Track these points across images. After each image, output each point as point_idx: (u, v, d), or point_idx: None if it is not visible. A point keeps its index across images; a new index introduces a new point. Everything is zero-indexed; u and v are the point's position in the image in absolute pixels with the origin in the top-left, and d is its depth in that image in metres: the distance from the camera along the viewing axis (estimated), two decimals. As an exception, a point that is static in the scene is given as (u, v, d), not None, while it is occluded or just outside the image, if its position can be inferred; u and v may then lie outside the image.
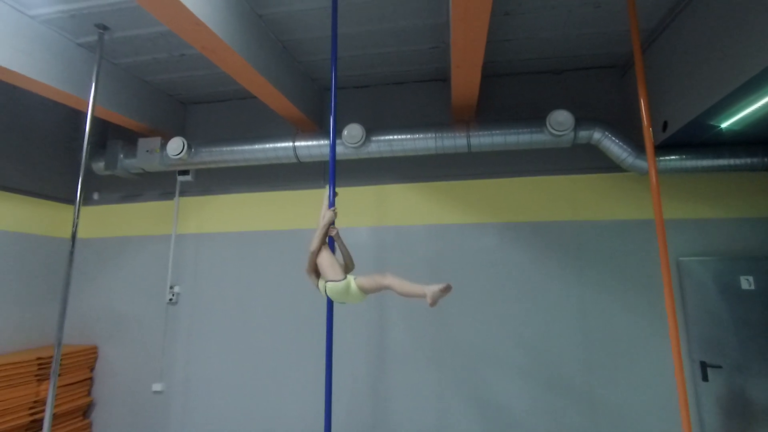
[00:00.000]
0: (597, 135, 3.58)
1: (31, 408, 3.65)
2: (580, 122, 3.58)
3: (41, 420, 3.69)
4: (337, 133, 3.88)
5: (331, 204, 2.71)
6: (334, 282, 2.39)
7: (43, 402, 3.71)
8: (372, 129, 3.91)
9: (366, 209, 4.25)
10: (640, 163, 3.49)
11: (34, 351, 3.97)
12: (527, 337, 3.76)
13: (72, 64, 3.46)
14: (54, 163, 4.58)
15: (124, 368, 4.37)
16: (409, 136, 3.79)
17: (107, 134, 4.76)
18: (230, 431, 4.06)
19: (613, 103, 4.00)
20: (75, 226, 3.06)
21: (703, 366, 3.38)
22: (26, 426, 3.63)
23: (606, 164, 3.83)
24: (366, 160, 4.20)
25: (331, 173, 2.69)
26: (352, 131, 3.78)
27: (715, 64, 2.74)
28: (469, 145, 3.75)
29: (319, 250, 2.51)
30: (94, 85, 3.17)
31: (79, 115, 4.82)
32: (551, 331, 3.74)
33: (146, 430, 4.21)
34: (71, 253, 3.05)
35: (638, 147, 3.50)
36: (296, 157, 4.05)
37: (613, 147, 3.55)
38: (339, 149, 3.91)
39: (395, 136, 3.82)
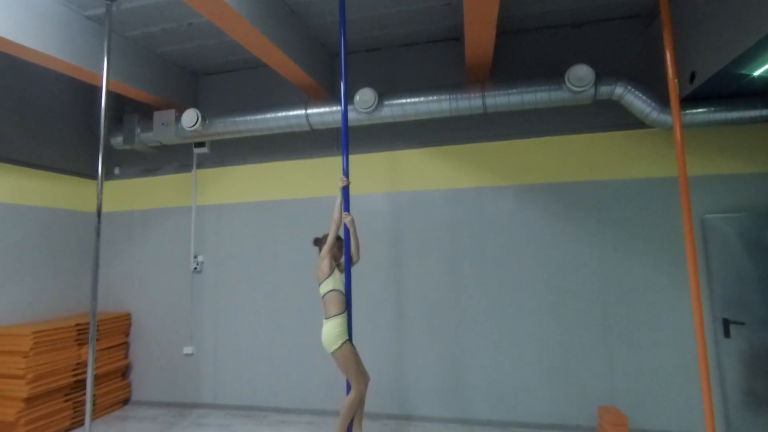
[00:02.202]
0: (619, 90, 3.43)
1: (74, 370, 3.92)
2: (600, 77, 3.43)
3: (84, 380, 3.99)
4: (349, 98, 3.83)
5: (345, 172, 2.72)
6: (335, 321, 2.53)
7: (85, 364, 3.99)
8: (384, 93, 3.84)
9: (380, 175, 4.24)
10: (664, 117, 3.35)
11: (72, 318, 4.22)
12: (545, 299, 3.78)
13: (82, 37, 3.47)
14: (74, 140, 4.69)
15: (156, 333, 4.62)
16: (422, 99, 3.71)
17: (123, 109, 4.81)
18: (257, 390, 4.30)
19: (636, 56, 3.81)
20: (99, 200, 3.16)
21: (726, 323, 3.35)
22: (71, 385, 3.92)
23: (628, 120, 3.69)
24: (379, 126, 4.16)
25: (344, 137, 2.67)
26: (364, 96, 3.73)
27: (747, 6, 2.55)
28: (484, 106, 3.65)
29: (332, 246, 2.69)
30: (106, 58, 3.18)
31: (95, 91, 4.89)
32: (569, 292, 3.74)
33: (180, 389, 4.49)
34: (98, 226, 3.17)
35: (663, 101, 3.35)
36: (309, 124, 4.03)
37: (636, 102, 3.41)
38: (351, 115, 3.88)
39: (408, 100, 3.74)
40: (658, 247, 3.62)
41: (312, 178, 4.41)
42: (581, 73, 3.34)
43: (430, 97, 3.68)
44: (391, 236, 4.16)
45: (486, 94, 3.60)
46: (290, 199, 4.45)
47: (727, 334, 3.35)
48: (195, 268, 4.56)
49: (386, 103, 3.77)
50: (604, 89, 3.45)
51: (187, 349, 4.47)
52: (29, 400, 3.53)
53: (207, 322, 4.50)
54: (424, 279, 4.04)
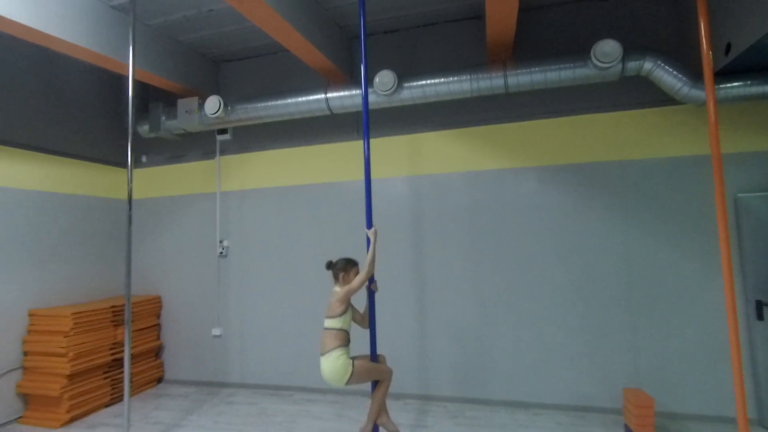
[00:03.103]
0: (648, 65, 3.30)
1: (111, 349, 4.13)
2: (628, 52, 3.31)
3: (120, 359, 4.20)
4: (369, 81, 3.82)
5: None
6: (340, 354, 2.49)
7: (121, 344, 4.19)
8: (404, 75, 3.80)
9: (400, 159, 4.23)
10: (696, 92, 3.21)
11: (107, 300, 4.42)
12: (568, 280, 3.74)
13: (108, 27, 3.54)
14: (103, 129, 4.84)
15: (186, 315, 4.80)
16: (442, 80, 3.66)
17: (148, 97, 4.92)
18: (283, 370, 4.43)
19: (666, 29, 3.64)
20: (130, 188, 3.27)
21: (759, 304, 3.26)
22: (109, 364, 4.13)
23: (657, 97, 3.56)
24: (399, 108, 4.14)
25: (365, 121, 2.67)
26: (384, 78, 3.70)
27: (792, -30, 2.40)
28: (506, 86, 3.58)
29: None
30: (131, 47, 3.25)
31: (120, 81, 5.01)
32: (594, 274, 3.69)
33: (209, 369, 4.67)
34: (129, 213, 3.28)
35: (695, 75, 3.21)
36: (329, 108, 4.04)
37: (667, 77, 3.28)
38: (371, 98, 3.87)
39: (428, 81, 3.70)
40: (688, 227, 3.52)
41: (332, 163, 4.43)
42: (608, 49, 3.22)
43: (451, 78, 3.63)
44: (412, 220, 4.17)
45: (508, 73, 3.52)
46: (311, 184, 4.49)
47: (760, 316, 3.26)
48: (221, 253, 4.69)
49: (406, 85, 3.74)
50: (632, 65, 3.33)
51: (215, 331, 4.63)
52: (71, 377, 3.74)
53: (233, 304, 4.64)
54: (444, 262, 4.05)
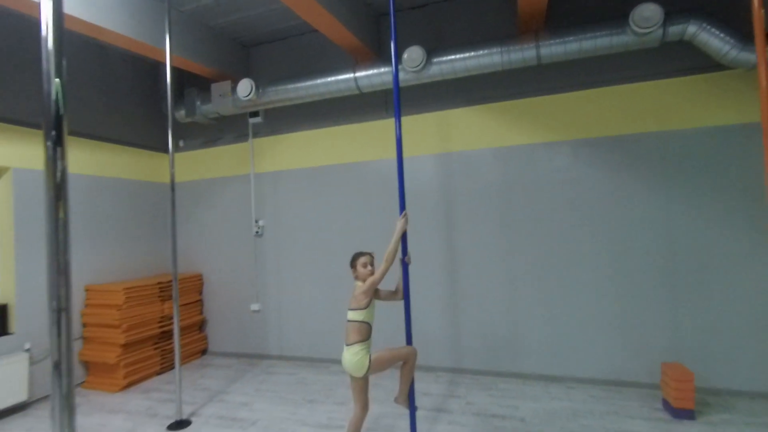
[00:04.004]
0: (692, 28, 3.13)
1: (159, 322, 4.42)
2: (670, 16, 3.14)
3: (168, 331, 4.49)
4: (397, 57, 3.80)
5: (399, 144, 2.67)
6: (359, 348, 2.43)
7: (167, 317, 4.48)
8: (432, 50, 3.76)
9: (430, 136, 4.23)
10: (746, 55, 3.03)
11: (154, 278, 4.71)
12: (604, 254, 3.68)
13: (145, 14, 3.66)
14: (144, 116, 5.05)
15: (226, 292, 5.04)
16: (472, 54, 3.60)
17: (183, 83, 5.08)
18: (318, 343, 4.62)
19: (715, -12, 3.42)
20: (172, 172, 3.43)
21: (808, 279, 3.12)
22: (158, 336, 4.43)
23: (701, 63, 3.38)
24: (428, 85, 4.11)
25: (396, 99, 2.68)
26: (412, 54, 3.68)
27: None
28: (538, 57, 3.48)
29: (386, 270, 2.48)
30: (168, 34, 3.35)
31: (157, 68, 5.18)
32: (632, 248, 3.61)
33: (250, 342, 4.93)
34: (172, 196, 3.46)
35: (744, 37, 3.02)
36: (357, 87, 4.06)
37: (712, 40, 3.10)
38: (399, 75, 3.85)
39: (457, 56, 3.65)
40: (735, 199, 3.37)
41: (361, 142, 4.48)
42: (648, 13, 3.07)
43: (481, 52, 3.57)
44: (442, 197, 4.18)
45: (540, 44, 3.42)
46: (341, 164, 4.56)
47: (810, 291, 3.12)
48: (256, 232, 4.87)
49: (435, 60, 3.70)
50: (674, 29, 3.16)
51: (254, 306, 4.86)
52: (125, 347, 4.05)
53: (270, 281, 4.84)
54: (475, 237, 4.06)
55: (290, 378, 4.18)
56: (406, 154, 4.22)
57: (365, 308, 2.44)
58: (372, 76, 3.95)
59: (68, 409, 1.16)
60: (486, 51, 3.55)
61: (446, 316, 4.15)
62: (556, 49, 3.40)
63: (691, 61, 3.42)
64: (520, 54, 3.48)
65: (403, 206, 2.71)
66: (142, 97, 5.05)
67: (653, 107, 3.57)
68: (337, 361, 4.50)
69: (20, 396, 3.55)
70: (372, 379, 4.01)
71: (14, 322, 3.69)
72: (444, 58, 3.68)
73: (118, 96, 4.75)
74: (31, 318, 3.77)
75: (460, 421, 3.13)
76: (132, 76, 4.94)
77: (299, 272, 4.72)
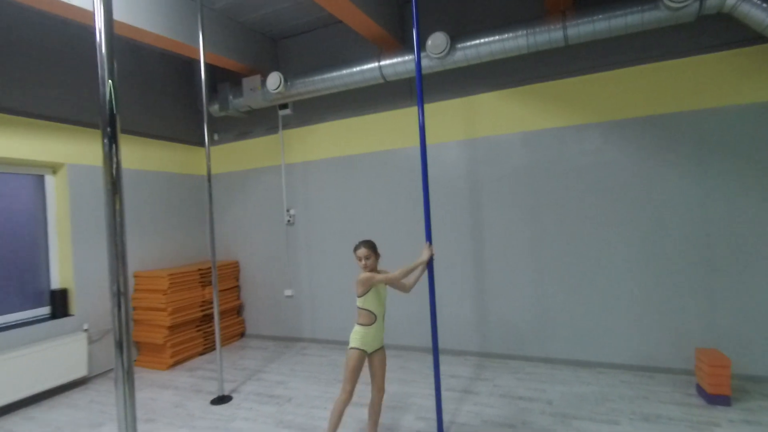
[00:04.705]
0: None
1: (200, 306, 4.71)
2: (708, -13, 2.99)
3: (209, 315, 4.79)
4: (421, 44, 3.81)
5: (422, 135, 2.70)
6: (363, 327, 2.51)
7: (208, 302, 4.77)
8: (456, 36, 3.75)
9: (455, 123, 4.23)
10: (790, 26, 2.85)
11: (194, 264, 5.00)
12: (636, 238, 3.60)
13: (178, 14, 3.84)
14: (179, 111, 5.31)
15: (261, 278, 5.29)
16: (496, 38, 3.57)
17: (215, 78, 5.29)
18: (348, 327, 4.75)
19: (759, -45, 3.21)
20: (208, 165, 3.63)
21: None
22: (200, 319, 4.74)
23: (741, 36, 3.21)
24: (452, 71, 4.10)
25: (418, 83, 2.72)
26: (436, 41, 3.68)
27: None
28: (566, 38, 3.41)
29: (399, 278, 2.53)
30: (201, 31, 3.51)
31: (191, 65, 5.41)
32: (665, 232, 3.52)
33: (284, 326, 5.17)
34: (209, 187, 3.66)
35: (790, 6, 2.84)
36: (382, 76, 4.11)
37: (754, 11, 2.93)
38: (423, 62, 3.88)
39: (482, 40, 3.62)
40: (776, 179, 3.21)
41: (388, 131, 4.54)
42: (683, -14, 2.94)
43: (506, 35, 3.53)
44: (468, 183, 4.19)
45: (567, 24, 3.35)
46: (368, 153, 4.65)
47: None
48: (288, 221, 5.06)
49: (459, 46, 3.69)
50: (712, 1, 3.01)
51: (288, 292, 5.07)
52: (171, 328, 4.36)
53: (302, 267, 5.03)
54: (502, 223, 4.06)
55: (322, 359, 4.37)
56: (431, 141, 4.26)
57: (361, 296, 2.51)
58: (396, 64, 3.98)
59: (129, 381, 1.32)
60: (511, 34, 3.51)
61: (473, 301, 4.20)
62: (584, 28, 3.31)
63: (730, 34, 3.25)
64: (547, 35, 3.41)
65: (426, 193, 2.76)
66: (179, 94, 5.31)
67: (688, 85, 3.42)
68: (367, 344, 4.66)
69: (81, 371, 3.92)
70: (399, 361, 4.15)
71: (74, 304, 4.05)
72: (468, 43, 3.66)
73: (157, 94, 5.02)
74: (88, 301, 4.12)
75: (486, 402, 3.20)
76: (169, 74, 5.19)
77: (329, 259, 4.88)
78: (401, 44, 4.22)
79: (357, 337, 2.50)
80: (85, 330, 4.04)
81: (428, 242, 2.69)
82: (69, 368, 3.82)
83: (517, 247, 4.01)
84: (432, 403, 3.20)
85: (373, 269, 2.54)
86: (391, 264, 4.49)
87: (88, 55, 4.19)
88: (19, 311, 3.85)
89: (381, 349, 2.58)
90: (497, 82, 4.03)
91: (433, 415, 2.98)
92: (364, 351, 2.49)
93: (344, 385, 2.46)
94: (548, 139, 3.87)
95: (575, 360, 3.82)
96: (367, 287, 2.49)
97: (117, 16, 3.29)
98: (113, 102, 1.31)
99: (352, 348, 2.50)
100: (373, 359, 2.55)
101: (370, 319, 2.51)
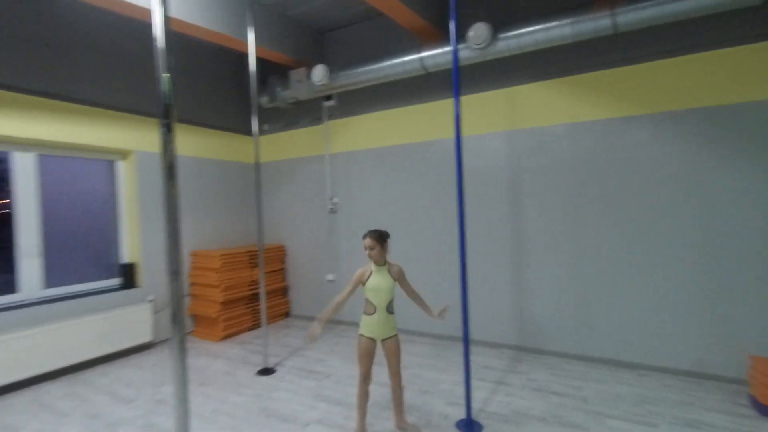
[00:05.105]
0: (809, -22, 2.70)
1: (249, 286, 5.06)
2: (781, -35, 2.74)
3: (257, 294, 5.12)
4: (461, 36, 3.80)
5: (457, 117, 2.73)
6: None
7: (257, 282, 5.10)
8: (499, 26, 3.69)
9: (495, 114, 4.18)
10: None
11: (244, 247, 5.36)
12: (686, 237, 3.42)
13: (230, 10, 4.07)
14: (232, 103, 5.65)
15: (305, 262, 5.56)
16: (540, 27, 3.48)
17: (265, 71, 5.56)
18: (387, 313, 4.92)
19: None
20: (257, 153, 3.88)
21: None
22: (249, 298, 5.09)
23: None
24: (494, 61, 4.05)
25: (455, 74, 2.74)
26: (477, 31, 3.65)
27: None
28: (614, 25, 3.26)
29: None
30: (251, 26, 3.72)
31: (242, 59, 5.71)
32: (720, 230, 3.30)
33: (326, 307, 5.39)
34: (257, 175, 3.91)
35: None
36: (423, 67, 4.14)
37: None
38: (464, 53, 3.86)
39: (525, 30, 3.55)
40: None
41: (428, 121, 4.57)
42: (751, -35, 2.71)
43: (550, 24, 3.43)
44: (509, 175, 4.15)
45: (616, 11, 3.19)
46: (409, 144, 4.71)
47: None
48: (331, 209, 5.27)
49: (501, 36, 3.64)
50: (786, -20, 2.75)
51: (329, 276, 5.30)
52: (224, 304, 4.73)
53: (344, 254, 5.23)
54: (543, 217, 3.99)
55: (360, 342, 4.56)
56: (471, 133, 4.25)
57: (357, 286, 2.63)
58: (437, 55, 3.99)
59: (182, 349, 1.51)
60: (556, 23, 3.40)
61: (511, 294, 4.18)
62: (634, 15, 3.15)
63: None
64: (594, 24, 3.28)
65: (461, 184, 2.79)
66: (231, 86, 5.64)
67: (750, 74, 3.15)
68: (404, 331, 4.79)
69: (146, 337, 4.38)
70: (435, 349, 4.24)
71: (141, 277, 4.51)
72: (510, 33, 3.60)
73: (212, 86, 5.37)
74: (153, 275, 4.57)
75: (518, 394, 3.22)
76: (223, 67, 5.53)
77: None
78: (443, 34, 4.21)
79: (362, 324, 2.64)
80: (150, 301, 4.49)
81: (447, 306, 2.75)
82: (136, 334, 4.29)
83: (558, 241, 3.93)
84: (463, 390, 3.27)
85: (378, 260, 2.60)
86: (427, 254, 4.58)
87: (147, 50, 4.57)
88: (95, 281, 4.37)
89: (392, 338, 2.63)
90: (540, 73, 3.93)
91: (463, 401, 3.05)
92: (370, 338, 2.60)
93: (358, 369, 2.63)
94: (594, 131, 3.73)
95: (615, 360, 3.71)
96: (355, 284, 2.62)
97: (174, 13, 3.56)
98: (169, 93, 1.47)
99: (359, 334, 2.64)
100: (384, 346, 2.63)
101: (371, 308, 2.60)
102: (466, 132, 4.27)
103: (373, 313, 2.59)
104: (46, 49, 3.80)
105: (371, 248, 2.59)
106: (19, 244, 3.81)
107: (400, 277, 2.66)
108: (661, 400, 3.07)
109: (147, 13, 3.43)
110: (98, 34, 4.19)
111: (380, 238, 2.61)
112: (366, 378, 2.62)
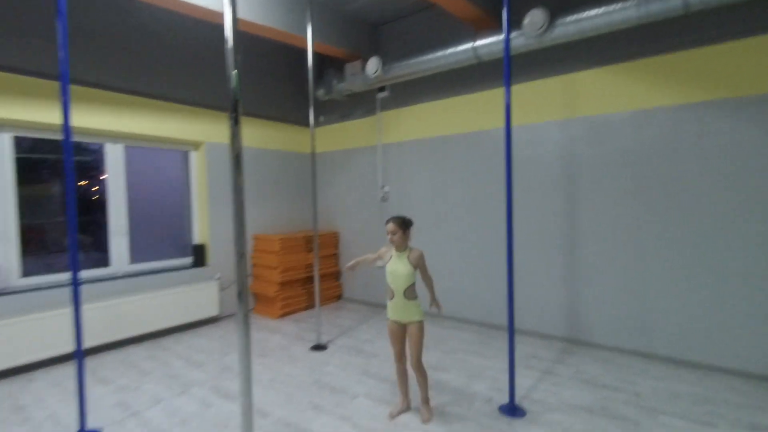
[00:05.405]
0: None
1: (305, 269, 5.37)
2: None
3: (312, 277, 5.42)
4: (517, 23, 3.75)
5: (507, 107, 2.74)
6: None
7: (312, 266, 5.39)
8: (556, 11, 3.60)
9: (551, 102, 4.08)
10: None
11: (300, 232, 5.68)
12: (765, 231, 3.17)
13: (288, 6, 4.29)
14: (290, 95, 5.95)
15: (357, 248, 5.78)
16: (601, 11, 3.35)
17: (323, 65, 5.79)
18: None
19: None
20: (313, 144, 4.11)
21: None
22: (304, 280, 5.42)
23: None
24: (551, 48, 3.94)
25: (506, 61, 2.74)
26: (534, 18, 3.58)
27: None
28: (686, 5, 3.06)
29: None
30: (309, 23, 3.92)
31: (300, 54, 5.98)
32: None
33: (376, 292, 5.62)
34: (313, 164, 4.15)
35: None
36: (477, 57, 4.13)
37: None
38: (519, 41, 3.81)
39: (584, 14, 3.43)
40: None
41: (480, 111, 4.56)
42: None
43: (612, 7, 3.29)
44: (564, 166, 4.05)
45: (688, -12, 3.00)
46: (460, 133, 4.73)
47: None
48: (382, 197, 5.42)
49: (558, 22, 3.55)
50: None
51: (379, 263, 5.43)
52: (282, 284, 5.08)
53: (393, 241, 5.37)
54: (601, 206, 3.87)
55: (408, 327, 4.70)
56: (525, 122, 4.18)
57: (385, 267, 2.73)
58: (491, 44, 3.97)
59: (246, 324, 1.70)
60: (619, 5, 3.26)
61: (564, 286, 4.10)
62: (708, -8, 2.94)
63: None
64: (662, 4, 3.10)
65: (509, 174, 2.80)
66: (290, 80, 5.94)
67: None
68: (452, 318, 4.86)
69: (213, 311, 4.83)
70: (482, 337, 4.29)
71: (209, 257, 4.95)
72: (569, 19, 3.49)
73: (271, 80, 5.70)
74: (219, 255, 5.00)
75: (565, 385, 3.20)
76: (282, 62, 5.83)
77: (419, 234, 5.13)
78: (497, 23, 4.17)
79: (387, 308, 2.75)
80: (218, 279, 4.93)
81: (443, 308, 2.92)
82: (205, 308, 4.74)
83: (616, 235, 3.79)
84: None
85: (400, 245, 2.67)
86: (476, 243, 4.59)
87: (220, 49, 4.94)
88: (171, 259, 4.87)
89: (414, 323, 2.64)
90: (601, 58, 3.77)
91: (507, 388, 3.09)
92: (395, 321, 2.69)
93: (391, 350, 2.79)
94: (663, 117, 3.54)
95: (677, 358, 3.54)
96: (376, 255, 2.79)
97: (240, 14, 3.83)
98: (237, 88, 1.63)
99: (386, 318, 2.76)
100: (408, 331, 2.68)
101: (390, 293, 2.68)
102: (519, 121, 4.21)
103: (392, 298, 2.67)
104: (129, 52, 4.26)
105: (393, 233, 2.65)
106: (111, 224, 4.34)
107: (419, 263, 2.67)
108: (723, 401, 2.92)
109: (215, 15, 3.74)
110: (173, 37, 4.61)
111: (403, 224, 2.66)
112: (399, 358, 2.76)
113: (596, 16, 3.37)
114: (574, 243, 4.02)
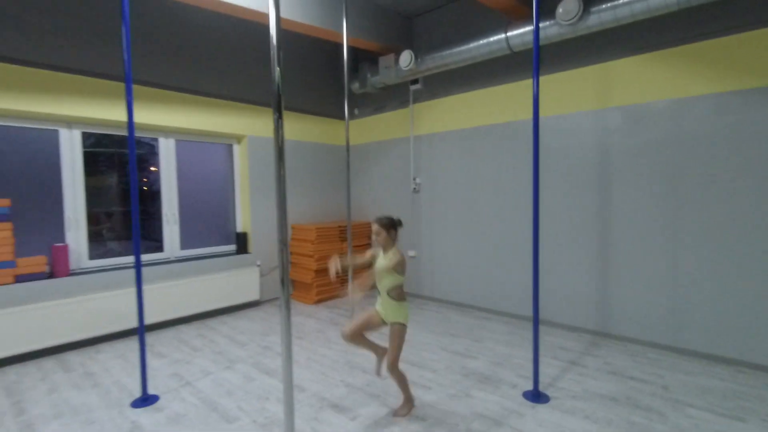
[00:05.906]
0: None
1: (339, 257, 5.58)
2: None
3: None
4: (550, 11, 3.72)
5: (535, 97, 2.77)
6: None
7: (345, 255, 5.61)
8: (591, -1, 3.54)
9: (585, 91, 4.03)
10: None
11: (335, 222, 5.90)
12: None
13: (324, 4, 4.42)
14: (326, 89, 6.14)
15: (389, 238, 5.94)
16: (638, -4, 3.27)
17: (357, 59, 5.93)
18: (464, 290, 5.12)
19: None
20: (347, 136, 4.28)
21: None
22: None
23: None
24: (585, 37, 3.88)
25: (536, 51, 2.77)
26: (567, 6, 3.55)
27: None
28: (729, -12, 2.95)
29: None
30: (344, 19, 4.07)
31: (337, 47, 6.14)
32: None
33: (407, 282, 5.65)
34: (347, 156, 4.33)
35: None
36: (509, 47, 4.13)
37: None
38: (552, 30, 3.78)
39: (621, 0, 3.36)
40: None
41: (511, 103, 4.55)
42: None
43: (649, -8, 3.21)
44: (597, 156, 4.00)
45: (732, -29, 2.88)
46: (491, 125, 4.75)
47: None
48: (414, 189, 5.54)
49: (593, 9, 3.49)
50: None
51: (411, 253, 5.62)
52: (317, 272, 5.33)
53: (425, 232, 5.50)
54: (634, 198, 3.81)
55: (437, 315, 4.84)
56: (558, 112, 4.15)
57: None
58: (524, 34, 3.95)
59: (288, 307, 1.87)
60: (656, -9, 3.18)
61: (594, 277, 4.09)
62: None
63: None
64: (703, -12, 3.00)
65: (536, 166, 2.84)
66: (326, 74, 6.12)
67: None
68: (481, 309, 4.95)
69: (254, 296, 5.16)
70: (510, 327, 4.35)
71: (251, 245, 5.28)
72: (604, 6, 3.43)
73: (307, 74, 5.90)
74: (261, 243, 5.32)
75: (591, 375, 3.23)
76: (318, 57, 6.02)
77: (450, 225, 5.23)
78: (530, 12, 4.13)
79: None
80: (258, 265, 5.25)
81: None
82: (247, 292, 5.08)
83: (651, 227, 3.73)
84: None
85: (386, 246, 2.61)
86: (507, 234, 4.63)
87: (260, 47, 5.20)
88: (216, 246, 5.23)
89: (396, 324, 2.56)
90: (637, 45, 3.68)
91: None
92: (378, 313, 2.65)
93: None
94: (704, 106, 3.43)
95: (710, 354, 3.48)
96: (369, 255, 2.74)
97: (281, 13, 4.02)
98: (279, 84, 1.74)
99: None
100: (389, 330, 2.61)
101: (378, 292, 2.65)
102: (552, 111, 4.19)
103: (379, 296, 2.66)
104: (181, 53, 4.58)
105: (377, 234, 2.60)
106: (164, 213, 4.74)
107: (396, 266, 2.52)
108: (756, 397, 2.87)
109: (257, 15, 3.95)
110: (218, 37, 4.89)
111: (388, 225, 2.60)
112: (352, 330, 2.67)
113: (633, 1, 3.30)
114: (606, 235, 3.99)
